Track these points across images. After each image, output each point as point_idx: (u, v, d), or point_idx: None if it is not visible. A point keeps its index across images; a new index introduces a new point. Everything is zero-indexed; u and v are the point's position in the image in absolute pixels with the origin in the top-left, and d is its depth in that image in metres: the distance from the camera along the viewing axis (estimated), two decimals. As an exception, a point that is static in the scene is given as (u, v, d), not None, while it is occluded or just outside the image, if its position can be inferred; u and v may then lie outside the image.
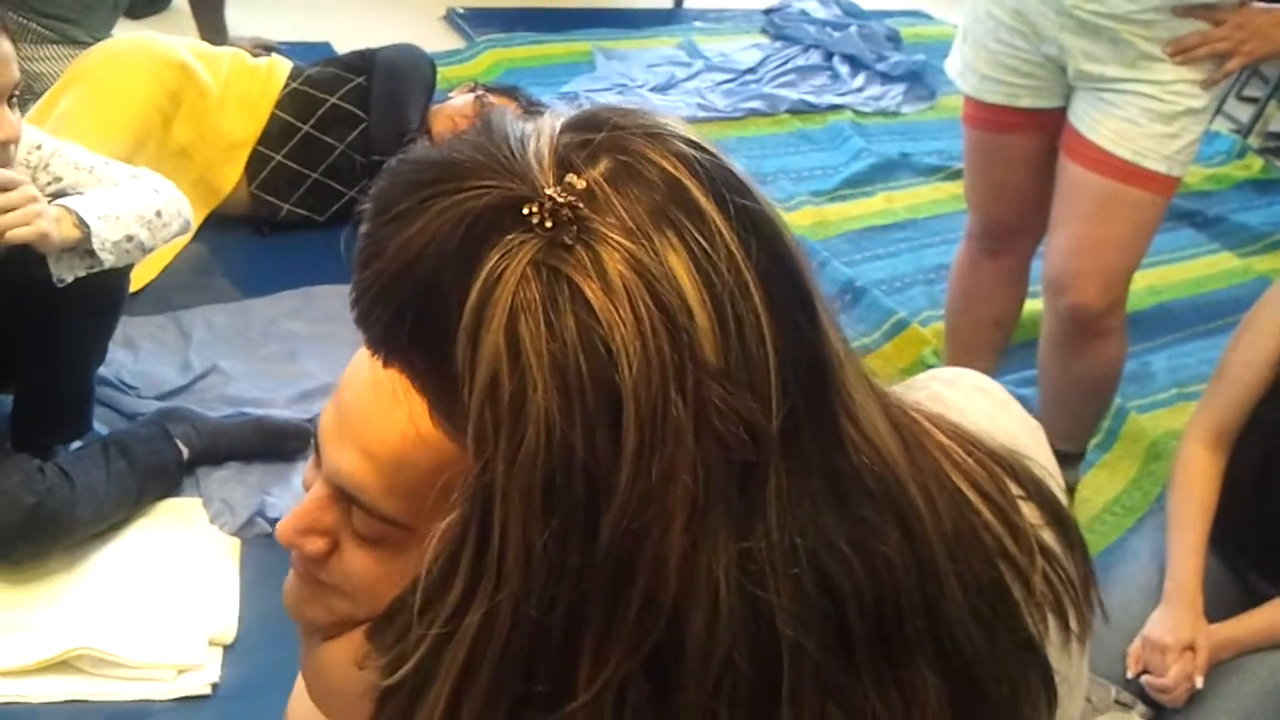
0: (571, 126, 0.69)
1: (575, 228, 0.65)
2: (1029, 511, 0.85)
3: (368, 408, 0.88)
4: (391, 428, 0.85)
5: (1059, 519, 0.87)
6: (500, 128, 0.70)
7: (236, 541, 2.18)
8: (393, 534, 0.90)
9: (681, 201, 0.66)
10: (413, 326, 0.68)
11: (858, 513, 0.72)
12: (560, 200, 0.65)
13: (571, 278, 0.64)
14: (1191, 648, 1.85)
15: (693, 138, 0.70)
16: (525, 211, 0.65)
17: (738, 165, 0.71)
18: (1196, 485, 1.98)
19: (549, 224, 0.64)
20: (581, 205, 0.65)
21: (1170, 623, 1.86)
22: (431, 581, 0.70)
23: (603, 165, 0.67)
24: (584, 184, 0.66)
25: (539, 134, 0.69)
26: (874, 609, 0.72)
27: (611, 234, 0.64)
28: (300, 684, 1.12)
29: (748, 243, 0.67)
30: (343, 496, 0.90)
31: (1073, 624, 0.85)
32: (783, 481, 0.69)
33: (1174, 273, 3.51)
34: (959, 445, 0.83)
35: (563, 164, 0.67)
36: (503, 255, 0.65)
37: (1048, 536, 0.85)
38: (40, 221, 1.79)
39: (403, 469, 0.86)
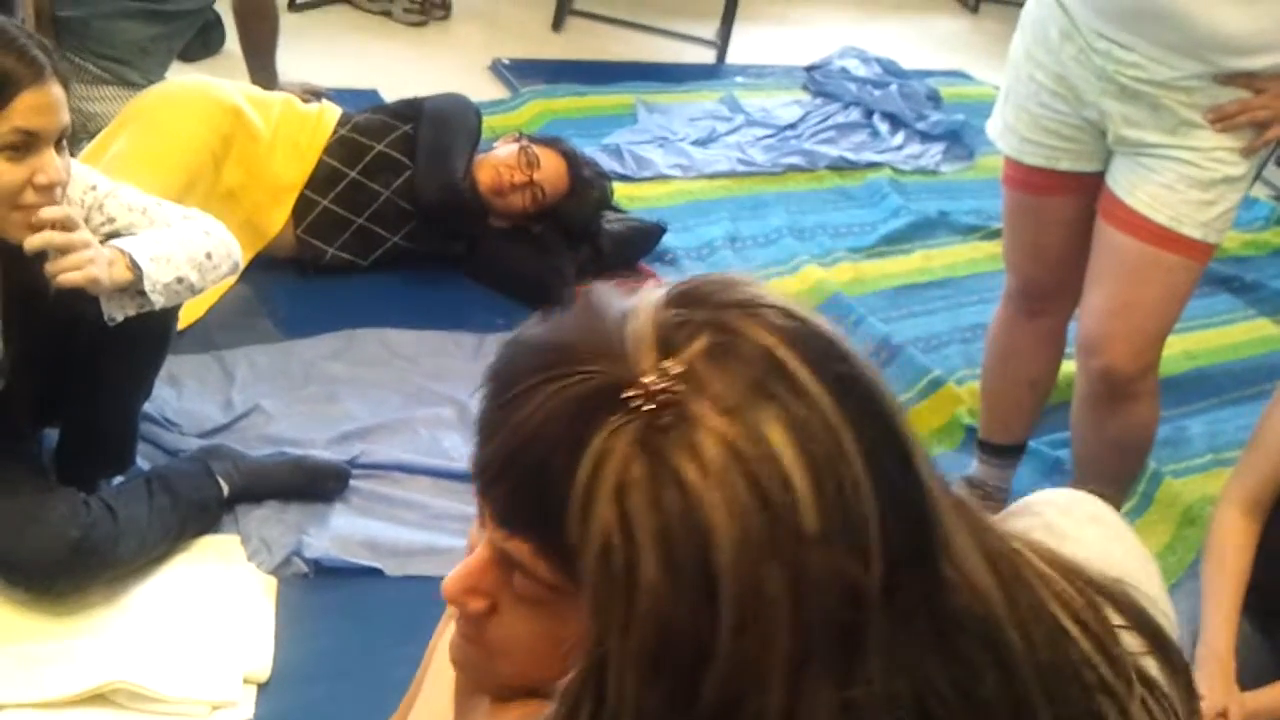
0: (671, 302, 0.73)
1: (671, 411, 0.69)
2: (1130, 640, 0.85)
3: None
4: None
5: (1161, 646, 0.87)
6: (603, 307, 0.74)
7: (273, 580, 2.20)
8: (551, 597, 0.91)
9: (778, 374, 0.70)
10: (530, 502, 0.73)
11: (957, 653, 0.74)
12: (657, 386, 0.69)
13: (669, 459, 0.68)
14: (1224, 714, 1.84)
15: (790, 308, 0.73)
16: (626, 395, 0.69)
17: (833, 329, 0.75)
18: (1231, 551, 1.98)
19: (648, 407, 0.69)
20: (680, 387, 0.69)
21: (1203, 689, 1.86)
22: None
23: (700, 343, 0.71)
24: (681, 367, 0.70)
25: (639, 313, 0.73)
26: None
27: (707, 414, 0.68)
28: None
29: (846, 407, 0.70)
30: (505, 560, 0.91)
31: None
32: (884, 630, 0.71)
33: (1210, 338, 3.50)
34: (1059, 574, 0.84)
35: (662, 344, 0.71)
36: (609, 435, 0.69)
37: (1149, 664, 0.85)
38: (92, 267, 1.82)
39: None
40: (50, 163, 1.83)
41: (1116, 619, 0.85)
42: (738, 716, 0.69)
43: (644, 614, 0.68)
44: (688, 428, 0.68)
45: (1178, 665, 0.88)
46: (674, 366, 0.70)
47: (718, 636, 0.67)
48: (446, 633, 1.08)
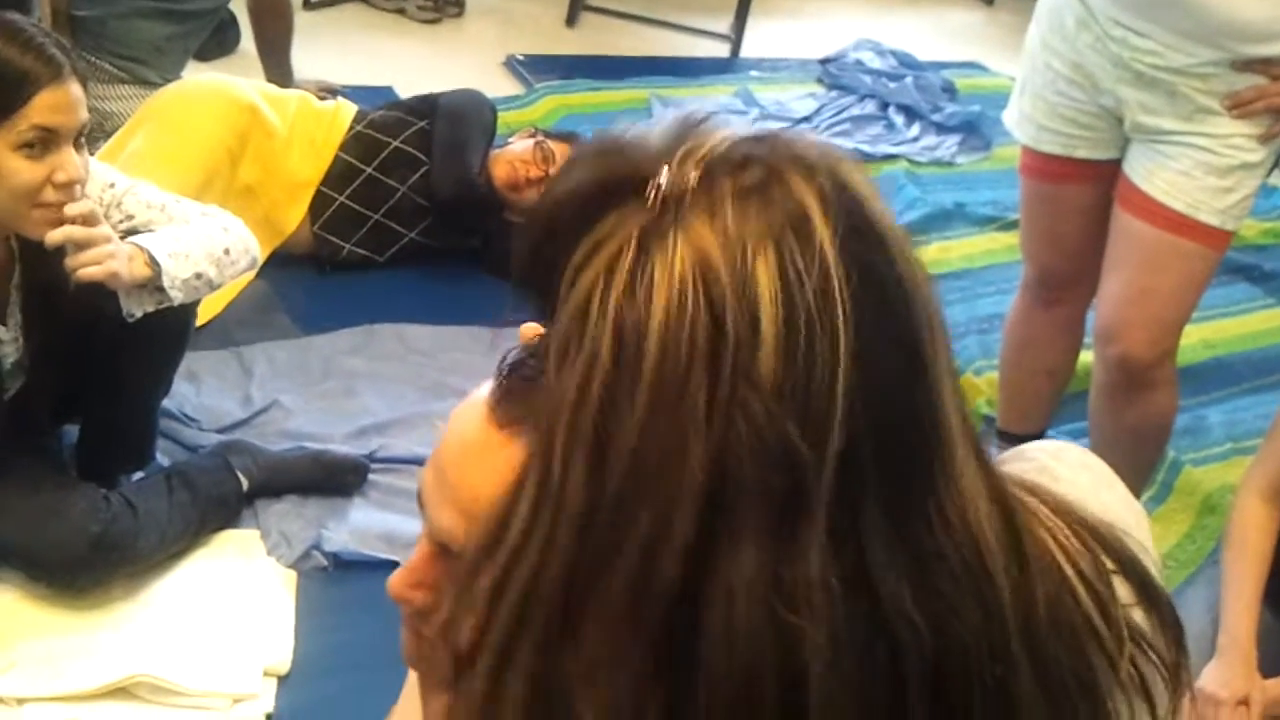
0: (746, 137, 0.73)
1: (673, 215, 0.69)
2: (1120, 588, 0.84)
3: (462, 466, 0.91)
4: (485, 484, 0.88)
5: (1152, 598, 0.86)
6: (688, 119, 0.74)
7: (293, 574, 2.21)
8: None
9: (800, 233, 0.69)
10: (541, 261, 0.74)
11: (937, 588, 0.73)
12: (672, 188, 0.70)
13: (652, 258, 0.69)
14: (1245, 702, 1.83)
15: (854, 189, 0.72)
16: (644, 188, 0.70)
17: (892, 226, 0.73)
18: (1251, 539, 1.97)
19: (658, 205, 0.70)
20: (693, 199, 0.69)
21: (1224, 677, 1.85)
22: (494, 521, 0.75)
23: (744, 177, 0.70)
24: (695, 178, 0.70)
25: (710, 133, 0.73)
26: (936, 680, 0.73)
27: (703, 231, 0.69)
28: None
29: (858, 291, 0.69)
30: (445, 552, 0.92)
31: (1160, 708, 0.85)
32: (839, 523, 0.70)
33: (1229, 326, 3.48)
34: (1064, 523, 0.83)
35: (712, 163, 0.71)
36: (618, 219, 0.70)
37: (1138, 615, 0.85)
38: (112, 261, 1.83)
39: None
40: (69, 160, 1.84)
41: (1110, 564, 0.84)
42: (631, 527, 0.69)
43: (593, 396, 0.69)
44: (680, 235, 0.69)
45: (1167, 617, 0.87)
46: (692, 177, 0.70)
47: (629, 423, 0.68)
48: None
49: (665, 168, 0.71)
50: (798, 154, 0.72)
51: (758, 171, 0.71)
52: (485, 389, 0.87)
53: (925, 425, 0.73)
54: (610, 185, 0.72)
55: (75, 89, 1.84)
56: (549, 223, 0.74)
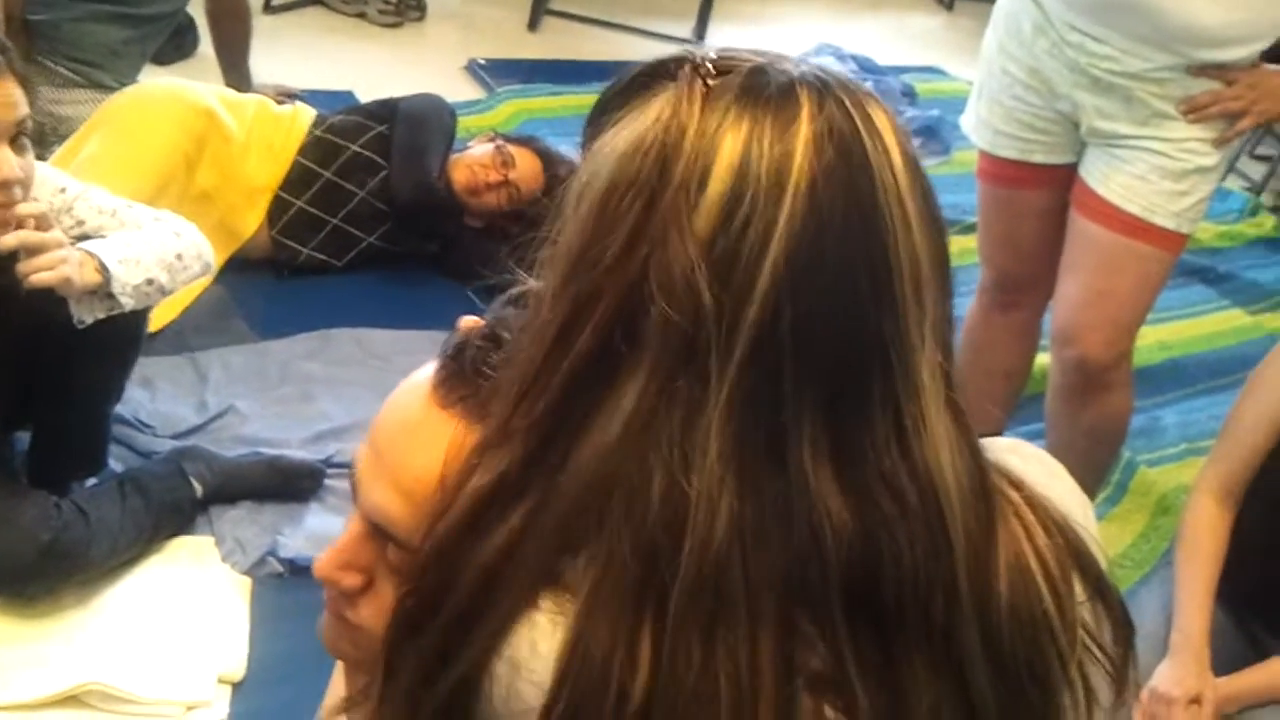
0: (791, 61, 0.82)
1: (698, 79, 0.79)
2: (1077, 584, 0.86)
3: (403, 446, 0.91)
4: (427, 465, 0.88)
5: (1103, 596, 0.88)
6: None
7: (247, 580, 2.20)
8: None
9: (779, 124, 0.77)
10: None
11: (875, 500, 0.77)
12: (706, 63, 0.80)
13: (644, 112, 0.79)
14: (1198, 700, 1.84)
15: (862, 119, 0.79)
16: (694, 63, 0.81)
17: (897, 174, 0.79)
18: (1204, 539, 1.98)
19: (694, 73, 0.80)
20: (719, 76, 0.79)
21: (1177, 675, 1.86)
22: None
23: (760, 79, 0.79)
24: (728, 67, 0.79)
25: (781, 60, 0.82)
26: (865, 583, 0.77)
27: (691, 100, 0.78)
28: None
29: (818, 195, 0.75)
30: (378, 533, 0.92)
31: (1103, 701, 0.87)
32: (750, 398, 0.75)
33: (1185, 328, 3.52)
34: (1037, 519, 0.86)
35: (744, 67, 0.80)
36: (672, 90, 0.80)
37: (1086, 611, 0.87)
38: (64, 266, 1.80)
39: (438, 506, 0.89)
40: (5, 159, 1.80)
41: (1068, 560, 0.86)
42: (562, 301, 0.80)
43: (562, 201, 0.82)
44: (671, 99, 0.78)
45: (1117, 617, 0.89)
46: (724, 64, 0.80)
47: (572, 224, 0.81)
48: None
49: (705, 60, 0.80)
50: (824, 77, 0.80)
51: (778, 78, 0.79)
52: (424, 373, 0.92)
53: (880, 350, 0.77)
54: (649, 70, 0.82)
55: (10, 86, 1.80)
56: (602, 99, 0.85)
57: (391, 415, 0.94)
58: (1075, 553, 0.87)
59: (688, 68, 0.79)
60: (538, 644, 0.78)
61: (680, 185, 0.75)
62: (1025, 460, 0.96)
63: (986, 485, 0.82)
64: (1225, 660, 1.90)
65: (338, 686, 1.14)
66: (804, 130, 0.76)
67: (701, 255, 0.75)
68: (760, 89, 0.78)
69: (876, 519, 0.77)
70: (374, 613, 0.94)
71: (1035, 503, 0.87)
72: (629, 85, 0.82)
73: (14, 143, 1.82)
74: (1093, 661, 0.85)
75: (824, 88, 0.78)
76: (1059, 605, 0.83)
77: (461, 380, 0.90)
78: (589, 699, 0.76)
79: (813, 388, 0.76)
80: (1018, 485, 0.87)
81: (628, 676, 0.75)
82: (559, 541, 0.79)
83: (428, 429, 0.89)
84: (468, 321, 0.96)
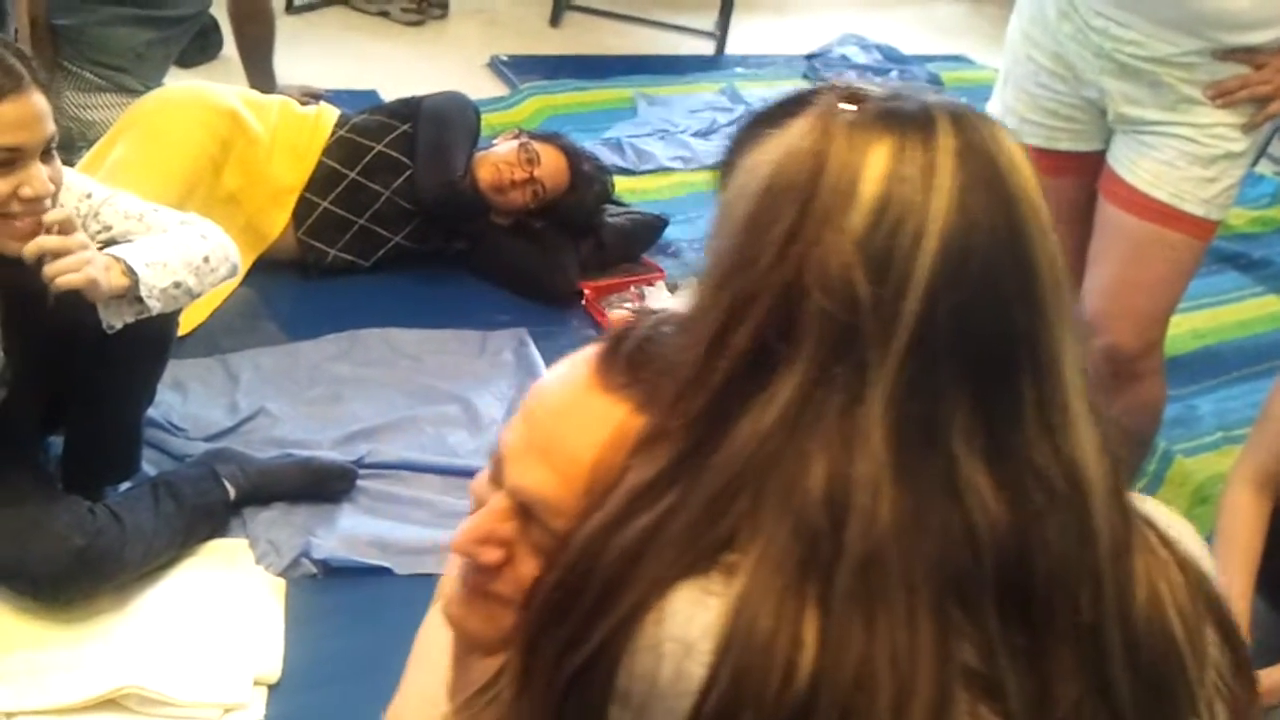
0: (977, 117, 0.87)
1: (838, 102, 0.85)
2: (1209, 629, 0.89)
3: (562, 428, 0.92)
4: (584, 445, 0.89)
5: (1230, 642, 0.91)
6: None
7: (282, 582, 2.20)
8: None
9: (923, 135, 0.82)
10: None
11: (1027, 493, 0.80)
12: (844, 92, 0.86)
13: (792, 128, 0.85)
14: (1237, 693, 1.83)
15: (993, 137, 0.85)
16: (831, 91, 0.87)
17: (1030, 189, 0.85)
18: (1242, 529, 1.97)
19: (837, 99, 0.86)
20: (857, 104, 0.85)
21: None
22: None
23: (896, 103, 0.85)
24: (865, 95, 0.85)
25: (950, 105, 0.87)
26: (1019, 571, 0.80)
27: (840, 120, 0.84)
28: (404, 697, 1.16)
29: (966, 198, 0.80)
30: (523, 511, 0.93)
31: None
32: (910, 390, 0.79)
33: (1219, 316, 3.48)
34: (1172, 558, 0.89)
35: (880, 95, 0.86)
36: (812, 114, 0.86)
37: (1216, 650, 0.90)
38: (90, 269, 1.80)
39: (590, 489, 0.90)
40: (36, 175, 1.80)
41: (1202, 607, 0.89)
42: (718, 302, 0.85)
43: (717, 215, 0.89)
44: (820, 117, 0.85)
45: (1242, 660, 0.92)
46: (868, 93, 0.86)
47: (726, 230, 0.87)
48: (432, 622, 1.08)
49: (843, 87, 0.87)
50: (953, 101, 0.86)
51: (914, 100, 0.85)
52: (583, 355, 0.95)
53: (1029, 346, 0.81)
54: (789, 99, 0.89)
55: (38, 100, 1.80)
56: (745, 124, 0.91)
57: (549, 395, 0.95)
58: (1206, 594, 0.90)
59: (829, 93, 0.86)
60: (708, 625, 0.79)
61: (832, 188, 0.81)
62: (1143, 503, 0.98)
63: (1121, 490, 0.86)
64: (1266, 650, 1.88)
65: (419, 683, 1.13)
66: (944, 142, 0.81)
67: (857, 251, 0.79)
68: (899, 108, 0.84)
69: (1029, 512, 0.80)
70: (512, 588, 0.94)
71: (1168, 540, 0.90)
72: (772, 112, 0.88)
73: (43, 154, 1.83)
74: (1220, 701, 0.88)
75: (956, 108, 0.85)
76: (1190, 637, 0.86)
77: (623, 368, 0.93)
78: (752, 675, 0.77)
79: (967, 381, 0.80)
80: (1150, 523, 0.90)
81: (795, 653, 0.77)
82: (707, 524, 0.81)
83: (588, 410, 0.91)
84: (620, 317, 1.01)
